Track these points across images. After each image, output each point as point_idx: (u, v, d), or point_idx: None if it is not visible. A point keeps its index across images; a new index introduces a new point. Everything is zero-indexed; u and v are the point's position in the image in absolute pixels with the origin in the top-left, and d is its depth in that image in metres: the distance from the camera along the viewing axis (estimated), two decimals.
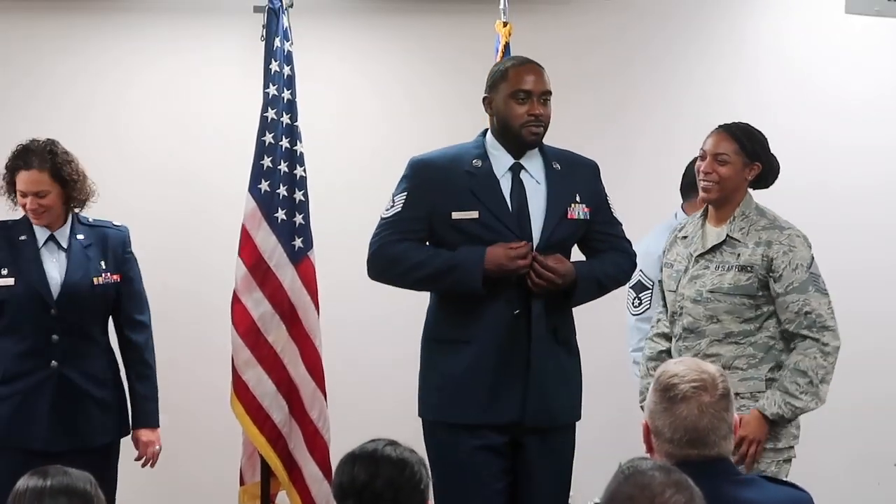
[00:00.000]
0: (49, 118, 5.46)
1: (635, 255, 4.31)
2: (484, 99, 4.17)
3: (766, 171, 4.31)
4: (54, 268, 4.43)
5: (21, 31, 5.64)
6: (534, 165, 4.16)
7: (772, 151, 4.33)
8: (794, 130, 5.84)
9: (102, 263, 4.50)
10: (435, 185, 4.10)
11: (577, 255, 4.24)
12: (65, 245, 4.46)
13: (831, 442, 5.76)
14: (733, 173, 4.25)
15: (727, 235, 4.24)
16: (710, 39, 6.07)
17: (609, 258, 4.22)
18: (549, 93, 4.13)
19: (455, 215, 4.08)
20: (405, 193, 4.12)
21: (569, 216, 4.14)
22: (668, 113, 5.97)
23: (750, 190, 4.32)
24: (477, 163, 4.11)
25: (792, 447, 4.24)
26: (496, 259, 4.01)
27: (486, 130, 4.21)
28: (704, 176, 4.26)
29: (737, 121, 4.35)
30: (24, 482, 2.70)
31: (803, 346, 4.16)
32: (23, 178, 4.41)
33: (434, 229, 4.11)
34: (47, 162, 4.40)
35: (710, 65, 6.04)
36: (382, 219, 4.15)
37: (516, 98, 4.09)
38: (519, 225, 4.08)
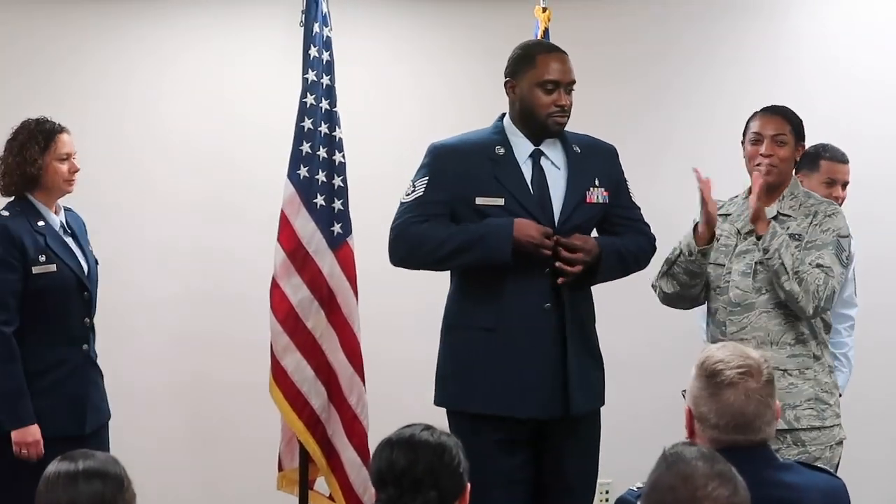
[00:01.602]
0: (85, 108, 5.49)
1: (654, 239, 4.29)
2: (507, 83, 4.14)
3: (806, 154, 4.37)
4: (76, 250, 4.47)
5: (56, 20, 5.65)
6: (553, 151, 4.15)
7: None
8: (833, 120, 5.78)
9: (90, 246, 4.57)
10: (457, 171, 4.08)
11: None
12: (68, 229, 4.50)
13: (874, 432, 5.73)
14: (790, 154, 4.28)
15: (778, 212, 4.24)
16: (748, 28, 6.03)
17: (629, 238, 4.21)
18: (575, 82, 4.11)
19: (479, 201, 4.06)
20: (427, 178, 4.10)
21: (588, 200, 4.14)
22: (707, 102, 5.94)
23: None
24: (500, 150, 4.10)
25: (839, 426, 4.22)
26: (526, 229, 3.99)
27: (504, 115, 4.19)
28: (768, 158, 4.23)
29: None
30: (55, 467, 2.69)
31: (814, 269, 4.16)
32: (65, 140, 4.43)
33: (456, 214, 4.09)
34: None
35: (750, 54, 6.00)
36: (402, 203, 4.14)
37: (544, 87, 4.07)
38: (542, 211, 4.07)
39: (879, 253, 5.69)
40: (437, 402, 4.20)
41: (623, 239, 4.19)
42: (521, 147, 4.12)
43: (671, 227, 4.37)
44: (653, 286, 4.40)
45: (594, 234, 4.21)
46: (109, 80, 5.64)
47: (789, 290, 4.12)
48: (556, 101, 4.06)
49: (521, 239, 3.98)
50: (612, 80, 5.67)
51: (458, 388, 4.12)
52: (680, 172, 5.70)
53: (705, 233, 4.18)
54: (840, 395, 4.28)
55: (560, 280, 4.02)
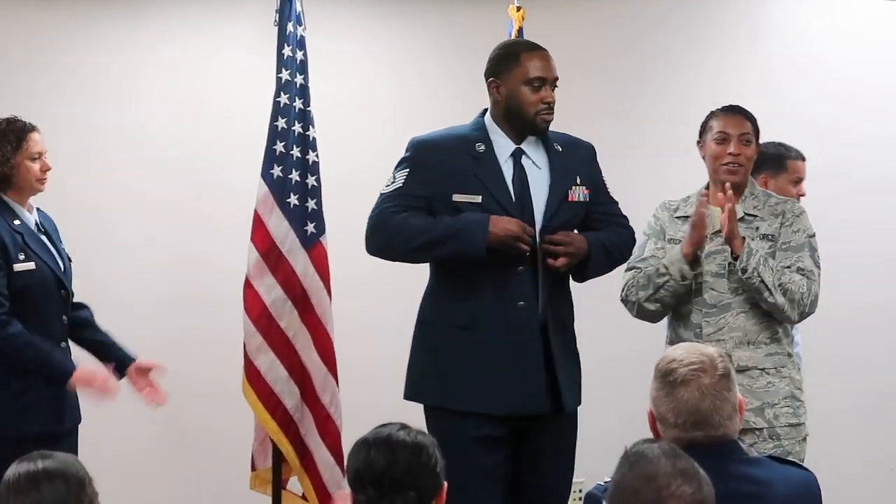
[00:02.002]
0: (55, 106, 5.44)
1: (633, 231, 4.31)
2: (491, 82, 4.15)
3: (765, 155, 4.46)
4: (51, 249, 4.45)
5: (29, 12, 5.58)
6: (534, 150, 4.16)
7: None
8: (806, 117, 5.82)
9: (63, 244, 4.55)
10: (438, 166, 4.09)
11: None
12: (42, 228, 4.48)
13: (844, 427, 5.77)
14: (754, 153, 4.31)
15: (744, 213, 4.26)
16: (722, 25, 6.07)
17: (612, 232, 4.23)
18: (558, 78, 4.13)
19: (456, 197, 4.06)
20: (407, 171, 4.11)
21: (570, 199, 4.15)
22: (679, 99, 5.96)
23: None
24: (480, 147, 4.11)
25: (805, 424, 4.28)
26: (503, 223, 4.00)
27: (485, 111, 4.20)
28: (733, 158, 4.26)
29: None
30: (15, 469, 2.66)
31: (795, 274, 4.19)
32: (36, 139, 4.41)
33: (433, 210, 4.09)
34: None
35: (722, 50, 6.03)
36: (382, 194, 4.14)
37: (531, 85, 4.08)
38: (520, 211, 4.08)
39: (844, 249, 5.73)
40: (410, 397, 4.20)
41: (606, 233, 4.21)
42: (502, 146, 4.13)
43: (637, 222, 4.38)
44: (623, 301, 4.41)
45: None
46: (80, 79, 5.57)
47: (774, 302, 4.16)
48: (543, 98, 4.08)
49: (498, 233, 3.99)
50: (584, 76, 5.66)
51: (437, 385, 4.12)
52: (653, 168, 5.75)
53: (692, 255, 4.21)
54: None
55: (555, 262, 4.02)
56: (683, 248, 4.22)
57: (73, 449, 4.38)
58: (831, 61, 6.01)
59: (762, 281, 4.13)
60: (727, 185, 4.21)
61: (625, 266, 4.35)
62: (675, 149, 5.51)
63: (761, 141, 4.41)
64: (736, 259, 4.18)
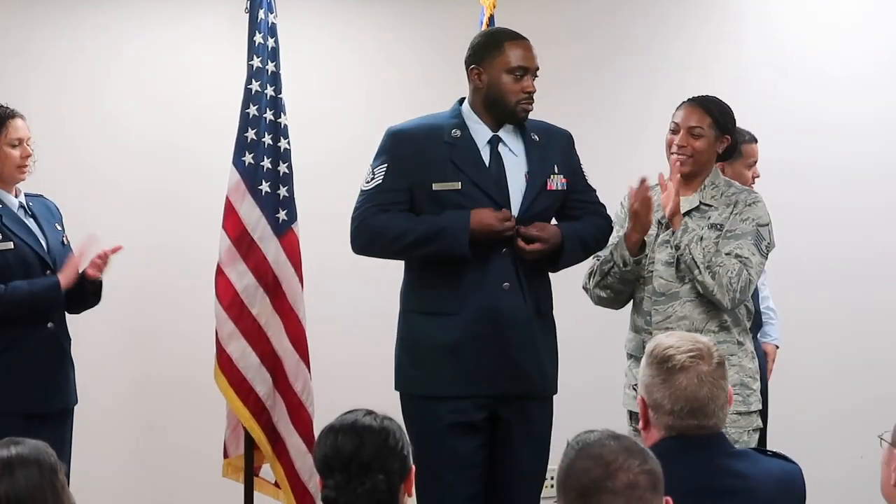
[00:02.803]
0: (23, 93, 5.38)
1: (611, 219, 4.33)
2: (472, 69, 4.15)
3: (733, 145, 4.39)
4: (36, 230, 4.44)
5: None
6: (511, 138, 4.17)
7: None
8: (776, 106, 5.85)
9: (57, 226, 4.55)
10: (415, 156, 4.10)
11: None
12: (28, 210, 4.48)
13: (810, 413, 5.80)
14: (706, 146, 4.31)
15: (700, 202, 4.29)
16: (689, 14, 6.07)
17: (588, 221, 4.25)
18: (539, 68, 4.15)
19: (436, 186, 4.08)
20: (385, 165, 4.12)
21: (548, 187, 4.17)
22: (646, 86, 5.96)
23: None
24: (456, 133, 4.12)
25: (757, 413, 4.28)
26: (483, 219, 4.02)
27: (462, 100, 4.21)
28: (679, 149, 4.30)
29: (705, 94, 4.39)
30: None
31: (730, 260, 4.19)
32: (18, 125, 4.41)
33: (415, 200, 4.11)
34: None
35: (691, 39, 6.05)
36: (363, 191, 4.15)
37: (513, 74, 4.09)
38: (499, 195, 4.09)
39: (815, 239, 5.77)
40: (397, 388, 4.22)
41: (583, 223, 4.22)
42: (479, 133, 4.14)
43: (613, 201, 4.42)
44: (584, 289, 4.44)
45: (553, 221, 4.23)
46: (49, 67, 5.51)
47: (702, 281, 4.18)
48: (524, 87, 4.09)
49: (478, 229, 4.02)
50: (551, 64, 5.67)
51: (415, 373, 4.15)
52: (619, 151, 5.76)
53: (638, 241, 4.22)
54: (777, 348, 4.27)
55: (525, 247, 4.04)
56: (627, 233, 4.24)
57: (65, 433, 4.41)
58: (802, 49, 6.03)
59: (693, 259, 4.17)
60: (676, 179, 4.26)
61: None
62: (640, 131, 5.53)
63: None
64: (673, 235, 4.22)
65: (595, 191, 4.31)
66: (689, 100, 4.37)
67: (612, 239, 4.35)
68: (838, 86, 6.04)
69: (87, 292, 4.50)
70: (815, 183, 5.93)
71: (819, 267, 5.94)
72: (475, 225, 4.01)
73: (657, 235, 4.30)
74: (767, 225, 4.29)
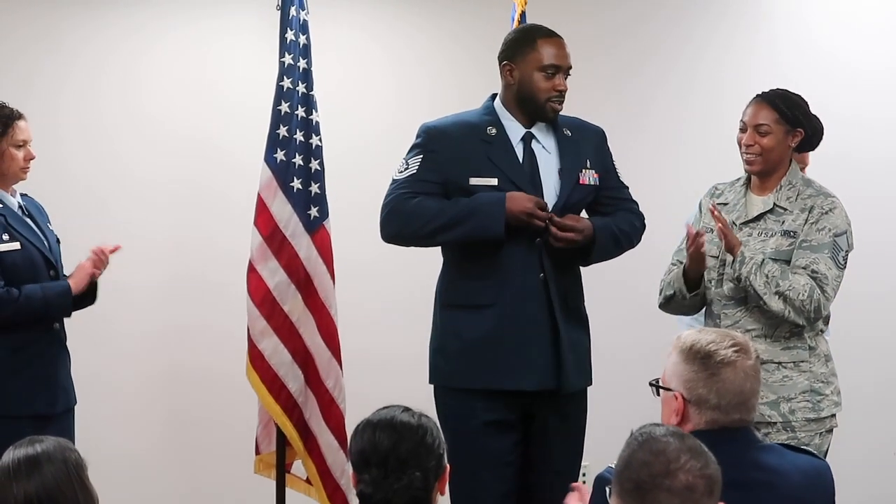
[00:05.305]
0: (59, 91, 5.44)
1: (644, 217, 4.31)
2: (504, 65, 4.14)
3: (811, 135, 4.23)
4: (36, 230, 4.46)
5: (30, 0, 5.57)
6: (544, 135, 4.16)
7: (813, 113, 4.25)
8: (811, 101, 5.79)
9: (49, 225, 4.55)
10: (451, 153, 4.09)
11: None
12: (24, 210, 4.48)
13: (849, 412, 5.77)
14: (775, 143, 4.17)
15: (774, 204, 4.17)
16: (726, 8, 6.04)
17: (621, 217, 4.23)
18: (571, 67, 4.14)
19: (473, 181, 4.07)
20: (420, 157, 4.11)
21: (581, 182, 4.16)
22: (682, 81, 5.95)
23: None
24: (492, 130, 4.11)
25: (834, 416, 4.17)
26: (520, 201, 4.00)
27: (494, 96, 4.20)
28: (746, 148, 4.18)
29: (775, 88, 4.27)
30: (12, 455, 2.68)
31: (802, 278, 4.08)
32: (23, 127, 4.41)
33: (449, 195, 4.09)
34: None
35: (727, 34, 6.01)
36: (395, 180, 4.14)
37: (545, 72, 4.08)
38: (534, 192, 4.08)
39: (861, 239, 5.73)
40: (431, 381, 4.20)
41: (615, 218, 4.21)
42: (513, 130, 4.13)
43: (651, 205, 4.39)
44: (659, 292, 4.37)
45: (584, 214, 4.22)
46: (84, 63, 5.56)
47: (772, 308, 4.06)
48: (555, 85, 4.08)
49: (514, 211, 4.00)
50: (587, 61, 5.65)
51: (454, 367, 4.13)
52: (656, 151, 5.74)
53: (694, 278, 4.17)
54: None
55: (559, 233, 4.02)
56: (685, 269, 4.18)
57: (69, 432, 4.38)
58: (835, 47, 5.99)
59: (755, 290, 4.06)
60: (715, 208, 4.16)
61: (670, 257, 4.33)
62: (677, 132, 5.51)
63: None
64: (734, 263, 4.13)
65: (627, 188, 4.29)
66: (756, 96, 4.24)
67: (670, 268, 4.31)
68: (872, 80, 5.99)
69: (85, 293, 4.50)
70: (850, 176, 5.88)
71: (860, 259, 5.88)
72: (511, 205, 3.99)
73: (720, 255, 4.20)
74: (845, 233, 4.15)
